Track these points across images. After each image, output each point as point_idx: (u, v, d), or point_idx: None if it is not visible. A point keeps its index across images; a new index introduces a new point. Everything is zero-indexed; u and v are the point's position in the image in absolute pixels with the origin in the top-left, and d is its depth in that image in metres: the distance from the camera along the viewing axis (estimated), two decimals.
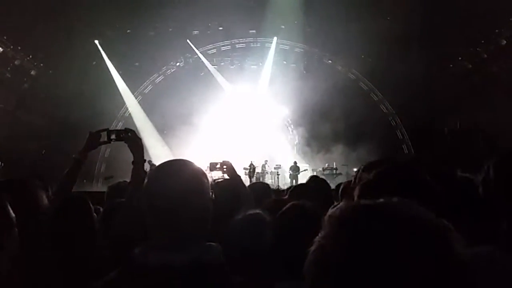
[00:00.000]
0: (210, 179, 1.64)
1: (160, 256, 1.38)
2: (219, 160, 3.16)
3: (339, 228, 0.80)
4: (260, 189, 4.01)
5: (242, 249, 2.29)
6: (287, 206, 2.23)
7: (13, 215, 1.49)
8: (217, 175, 3.23)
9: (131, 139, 2.70)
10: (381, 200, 0.82)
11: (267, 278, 1.97)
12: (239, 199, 2.89)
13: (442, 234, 0.76)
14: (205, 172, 1.61)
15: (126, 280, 1.39)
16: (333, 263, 0.76)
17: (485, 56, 18.51)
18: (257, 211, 2.54)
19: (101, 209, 3.08)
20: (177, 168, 1.54)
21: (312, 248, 0.82)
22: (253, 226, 2.39)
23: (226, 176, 3.14)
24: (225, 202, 2.54)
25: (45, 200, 2.29)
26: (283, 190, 6.56)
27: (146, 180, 1.54)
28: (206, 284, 1.37)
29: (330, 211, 0.87)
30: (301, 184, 3.84)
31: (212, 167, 3.27)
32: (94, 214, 2.63)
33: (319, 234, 0.83)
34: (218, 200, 2.80)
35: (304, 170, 20.59)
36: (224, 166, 3.13)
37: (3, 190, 1.88)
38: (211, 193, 1.56)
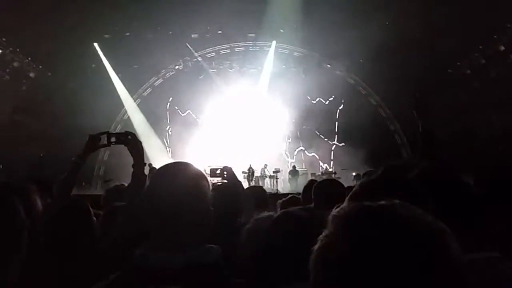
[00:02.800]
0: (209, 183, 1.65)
1: (159, 257, 1.39)
2: (219, 165, 3.15)
3: (342, 227, 0.84)
4: (259, 193, 3.96)
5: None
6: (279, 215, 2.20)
7: (25, 217, 1.48)
8: (217, 180, 3.22)
9: (131, 142, 2.68)
10: (383, 202, 0.87)
11: (270, 281, 1.95)
12: (239, 204, 2.88)
13: (439, 235, 0.80)
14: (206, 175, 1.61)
15: (126, 281, 1.40)
16: (336, 260, 0.80)
17: (484, 61, 18.57)
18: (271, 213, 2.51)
19: (101, 213, 3.07)
20: (178, 171, 1.56)
21: (316, 246, 0.86)
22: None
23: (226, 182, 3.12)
24: (224, 206, 2.52)
25: (39, 205, 2.27)
26: (282, 194, 6.55)
27: (147, 183, 1.56)
28: (205, 286, 1.38)
29: (334, 211, 0.90)
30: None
31: (213, 173, 3.26)
32: (94, 218, 2.62)
33: (323, 233, 0.87)
34: (217, 205, 2.78)
35: (303, 174, 20.60)
36: (225, 172, 3.12)
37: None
38: (211, 196, 1.57)
